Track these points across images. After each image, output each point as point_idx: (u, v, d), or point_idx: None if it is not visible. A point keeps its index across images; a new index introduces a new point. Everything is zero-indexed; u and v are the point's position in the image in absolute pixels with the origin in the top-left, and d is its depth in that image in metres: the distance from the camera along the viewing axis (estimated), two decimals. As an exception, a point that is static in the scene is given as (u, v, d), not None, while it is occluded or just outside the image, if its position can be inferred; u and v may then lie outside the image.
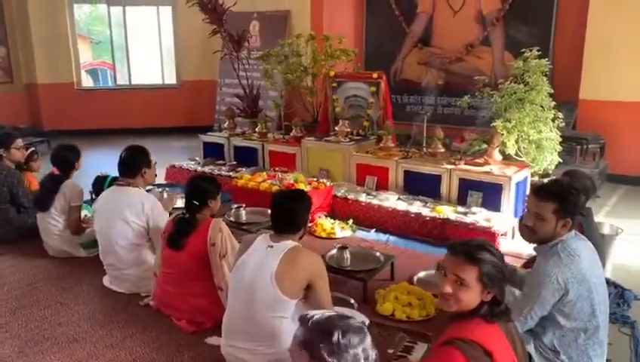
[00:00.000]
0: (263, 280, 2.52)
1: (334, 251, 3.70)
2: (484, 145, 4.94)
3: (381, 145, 5.56)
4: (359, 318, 2.83)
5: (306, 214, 2.75)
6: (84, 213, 4.48)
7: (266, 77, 6.83)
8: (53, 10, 9.53)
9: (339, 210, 5.08)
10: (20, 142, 4.72)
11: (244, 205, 4.65)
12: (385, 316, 3.26)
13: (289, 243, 2.61)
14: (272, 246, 2.61)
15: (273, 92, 8.24)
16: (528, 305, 2.46)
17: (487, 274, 1.84)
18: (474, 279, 1.84)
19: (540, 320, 2.48)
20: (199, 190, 3.21)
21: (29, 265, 4.09)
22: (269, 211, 4.47)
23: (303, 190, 2.95)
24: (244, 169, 6.12)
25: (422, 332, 2.68)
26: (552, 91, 4.86)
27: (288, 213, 2.68)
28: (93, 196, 4.93)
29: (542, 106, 4.85)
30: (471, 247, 1.90)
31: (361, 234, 4.77)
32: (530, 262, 3.46)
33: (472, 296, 1.86)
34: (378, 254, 3.78)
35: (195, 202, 3.18)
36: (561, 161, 5.04)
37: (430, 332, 2.73)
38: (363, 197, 5.04)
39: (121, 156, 3.67)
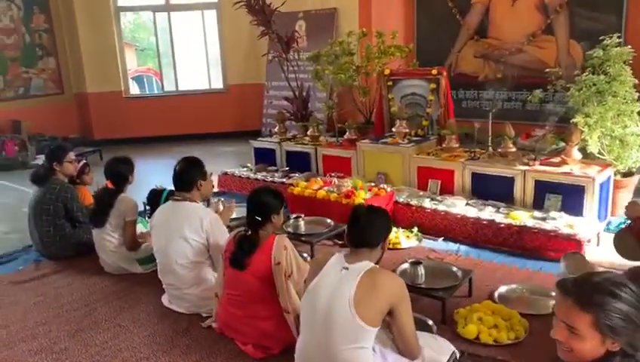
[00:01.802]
0: (340, 306, 2.25)
1: (407, 266, 3.39)
2: (562, 143, 4.52)
3: (444, 145, 5.21)
4: (448, 348, 2.55)
5: (384, 231, 2.48)
6: (139, 227, 4.35)
7: (317, 78, 6.57)
8: (100, 20, 9.58)
9: (401, 217, 4.76)
10: (72, 155, 4.61)
11: (302, 215, 4.41)
12: (469, 339, 2.94)
13: (366, 264, 2.34)
14: (347, 268, 2.35)
15: (321, 93, 8.00)
16: None
17: (607, 324, 1.47)
18: (587, 327, 1.50)
19: None
20: (262, 205, 2.97)
21: (85, 282, 3.98)
22: (329, 220, 4.42)
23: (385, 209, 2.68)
24: (297, 174, 5.90)
25: (522, 364, 2.36)
26: (637, 81, 4.41)
27: (368, 226, 2.41)
28: (147, 208, 4.82)
29: (624, 98, 4.41)
30: (586, 288, 1.53)
31: (427, 243, 4.44)
32: (630, 275, 3.08)
33: (589, 346, 1.52)
34: (455, 269, 3.45)
35: (257, 218, 2.95)
36: (648, 158, 4.58)
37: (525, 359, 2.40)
38: (427, 203, 4.70)
39: (175, 169, 3.48)
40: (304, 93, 7.29)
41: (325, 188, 4.98)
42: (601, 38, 4.55)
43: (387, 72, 5.91)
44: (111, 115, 9.79)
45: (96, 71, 9.71)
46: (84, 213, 4.38)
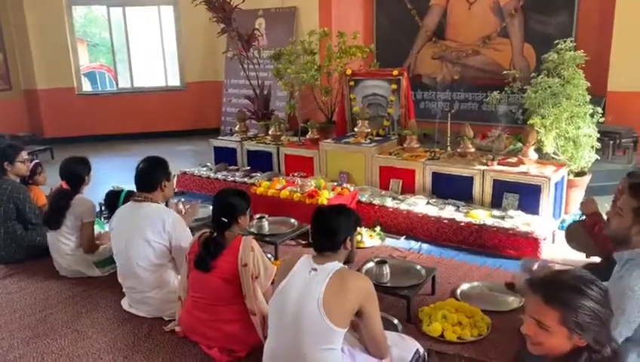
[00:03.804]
0: (309, 308, 2.24)
1: (372, 265, 3.42)
2: (519, 144, 4.65)
3: (405, 145, 5.27)
4: (415, 346, 2.58)
5: (346, 232, 2.42)
6: (95, 228, 4.20)
7: (278, 77, 6.53)
8: (51, 14, 9.22)
9: (364, 216, 4.67)
10: (24, 154, 4.43)
11: (266, 215, 4.37)
12: (433, 337, 2.98)
13: (335, 265, 2.34)
14: (315, 269, 2.33)
15: (281, 92, 7.97)
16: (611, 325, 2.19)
17: (574, 321, 1.53)
18: (555, 323, 1.55)
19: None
20: (228, 206, 2.91)
21: (40, 287, 3.81)
22: (293, 220, 4.40)
23: (347, 206, 2.66)
24: (258, 174, 5.85)
25: (487, 360, 2.40)
26: (589, 84, 4.58)
27: (326, 231, 2.39)
28: (104, 209, 4.68)
29: (577, 101, 4.57)
30: (554, 285, 1.58)
31: (390, 242, 4.49)
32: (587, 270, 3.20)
33: (557, 341, 1.58)
34: (419, 267, 3.49)
35: (223, 219, 2.90)
36: (598, 158, 4.77)
37: (495, 359, 2.45)
38: (389, 202, 4.75)
39: (137, 168, 3.38)
40: (265, 92, 7.24)
41: (288, 187, 4.96)
42: (555, 42, 4.71)
43: (349, 71, 5.94)
44: (63, 113, 9.45)
45: (46, 66, 9.34)
46: (37, 215, 4.21)
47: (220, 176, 5.95)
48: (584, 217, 3.32)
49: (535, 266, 2.92)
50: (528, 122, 4.55)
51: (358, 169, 5.34)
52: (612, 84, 6.15)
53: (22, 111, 9.51)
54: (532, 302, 1.61)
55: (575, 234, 3.38)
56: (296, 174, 5.44)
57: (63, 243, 3.87)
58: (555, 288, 1.57)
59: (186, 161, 7.38)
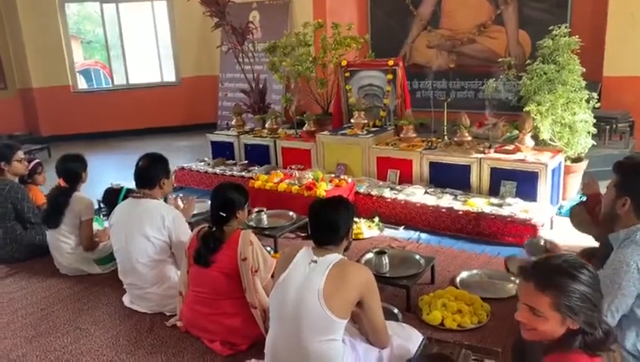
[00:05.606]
0: (309, 300, 2.25)
1: (371, 256, 3.43)
2: (515, 131, 4.66)
3: (401, 135, 5.27)
4: (415, 335, 2.59)
5: (346, 224, 2.45)
6: (94, 225, 4.21)
7: (273, 70, 6.51)
8: (45, 12, 9.16)
9: (362, 207, 4.80)
10: (21, 153, 4.41)
11: (265, 209, 4.38)
12: (434, 326, 3.00)
13: (335, 257, 2.35)
14: (315, 261, 2.34)
15: (277, 85, 7.96)
16: (607, 300, 2.20)
17: (565, 304, 1.56)
18: (548, 309, 1.58)
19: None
20: (226, 201, 2.92)
21: (41, 285, 3.83)
22: (292, 213, 4.41)
23: (343, 197, 2.67)
24: (256, 168, 5.85)
25: (487, 347, 2.42)
26: (584, 70, 4.58)
27: (328, 226, 2.40)
28: (102, 207, 4.69)
29: (573, 86, 4.58)
30: (545, 271, 1.61)
31: (389, 232, 4.50)
32: (583, 256, 3.21)
33: (551, 326, 1.61)
34: (418, 257, 3.51)
35: (222, 214, 2.90)
36: (595, 143, 4.77)
37: (495, 346, 2.47)
38: (387, 193, 4.76)
39: (137, 165, 3.38)
40: (260, 85, 7.22)
41: (286, 180, 4.96)
42: (550, 28, 4.70)
43: (344, 63, 5.93)
44: (59, 111, 9.43)
45: (41, 65, 9.30)
46: (36, 214, 4.22)
47: (217, 170, 5.96)
48: (585, 198, 3.33)
49: (542, 242, 2.94)
50: (524, 109, 4.55)
51: (355, 160, 5.34)
52: (607, 69, 6.15)
53: (18, 110, 9.49)
54: (525, 289, 1.64)
55: (578, 216, 3.39)
56: (293, 167, 5.45)
57: (62, 241, 3.88)
58: (547, 273, 1.60)
59: (183, 156, 7.38)
